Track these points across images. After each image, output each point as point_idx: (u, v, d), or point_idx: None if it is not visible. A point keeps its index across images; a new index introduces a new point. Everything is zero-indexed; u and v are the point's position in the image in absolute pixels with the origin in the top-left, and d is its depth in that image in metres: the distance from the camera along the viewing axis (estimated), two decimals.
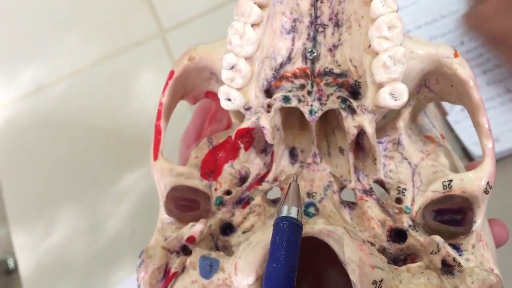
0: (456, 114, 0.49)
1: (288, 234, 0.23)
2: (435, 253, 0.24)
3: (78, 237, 0.53)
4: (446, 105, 0.50)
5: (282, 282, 0.22)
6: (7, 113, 0.60)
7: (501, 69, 0.50)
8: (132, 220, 0.53)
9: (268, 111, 0.26)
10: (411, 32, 0.54)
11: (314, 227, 0.25)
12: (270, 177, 0.28)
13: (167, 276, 0.26)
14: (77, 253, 0.53)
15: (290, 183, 0.26)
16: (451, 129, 0.49)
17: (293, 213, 0.23)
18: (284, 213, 0.24)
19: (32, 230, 0.55)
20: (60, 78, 0.61)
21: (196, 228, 0.26)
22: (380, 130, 0.28)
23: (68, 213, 0.55)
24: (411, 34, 0.30)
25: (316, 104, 0.26)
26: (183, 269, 0.26)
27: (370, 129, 0.25)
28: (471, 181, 0.25)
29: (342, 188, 0.28)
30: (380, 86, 0.24)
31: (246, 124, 0.26)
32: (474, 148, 0.47)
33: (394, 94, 0.23)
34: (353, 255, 0.23)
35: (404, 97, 0.23)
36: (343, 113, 0.25)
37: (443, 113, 0.50)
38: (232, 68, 0.25)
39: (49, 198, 0.56)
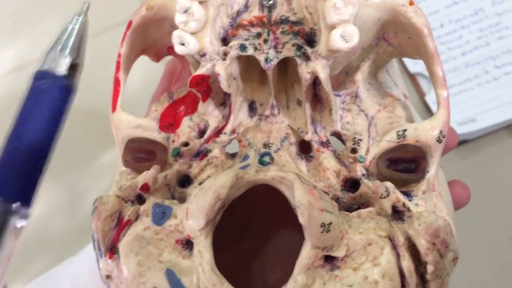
0: (434, 94, 0.50)
1: (48, 100, 0.16)
2: (385, 197, 0.24)
3: (58, 212, 0.53)
4: (424, 85, 0.50)
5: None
6: None
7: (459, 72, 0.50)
8: None
9: (224, 59, 0.26)
10: None
11: (267, 174, 0.25)
12: (228, 129, 0.28)
13: (120, 223, 0.26)
14: (56, 228, 0.52)
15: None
16: (428, 109, 0.49)
17: (62, 66, 0.16)
18: (47, 65, 0.16)
19: None
20: (43, 55, 0.60)
21: (149, 175, 0.26)
22: (340, 84, 0.28)
23: (48, 188, 0.54)
24: None
25: (271, 52, 0.26)
26: (137, 217, 0.26)
27: (323, 74, 0.25)
28: (425, 130, 0.25)
29: (299, 140, 0.28)
30: (332, 28, 0.24)
31: (201, 71, 0.26)
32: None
33: (345, 36, 0.23)
34: (302, 198, 0.23)
35: (355, 39, 0.23)
36: (298, 60, 0.25)
37: (421, 94, 0.50)
38: (185, 11, 0.24)
39: None
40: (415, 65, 0.51)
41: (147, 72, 0.34)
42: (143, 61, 0.32)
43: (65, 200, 0.53)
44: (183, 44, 0.25)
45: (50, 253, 0.51)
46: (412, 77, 0.51)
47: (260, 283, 0.32)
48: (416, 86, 0.51)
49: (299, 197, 0.23)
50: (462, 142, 0.48)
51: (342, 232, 0.23)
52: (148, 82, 0.38)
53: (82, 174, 0.54)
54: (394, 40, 0.27)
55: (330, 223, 0.23)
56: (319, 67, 0.24)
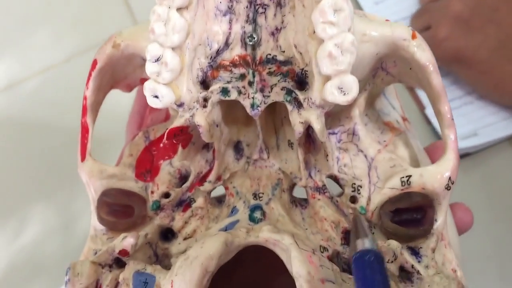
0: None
1: (379, 267, 0.20)
2: (392, 262, 0.22)
3: (51, 236, 0.51)
4: (423, 98, 0.48)
5: None
6: None
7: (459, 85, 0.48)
8: None
9: (204, 106, 0.23)
10: None
11: (259, 235, 0.22)
12: (212, 176, 0.25)
13: None
14: (50, 252, 0.51)
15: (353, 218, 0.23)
16: (428, 122, 0.47)
17: (368, 244, 0.20)
18: (364, 246, 0.21)
19: (3, 229, 0.52)
20: (32, 74, 0.58)
21: (126, 242, 0.23)
22: (334, 118, 0.26)
23: (41, 211, 0.52)
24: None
25: (258, 97, 0.23)
26: (116, 285, 0.23)
27: (318, 125, 0.22)
28: (432, 177, 0.23)
29: (292, 185, 0.26)
30: (327, 77, 0.21)
31: (178, 123, 0.23)
32: None
33: (343, 88, 0.20)
34: (301, 269, 0.20)
35: (354, 91, 0.20)
36: (289, 107, 0.22)
37: (421, 107, 0.48)
38: (157, 60, 0.21)
39: (20, 196, 0.53)
40: None
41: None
42: None
43: (58, 223, 0.51)
44: (156, 97, 0.22)
45: (44, 278, 0.49)
46: (411, 90, 0.49)
47: None
48: (415, 99, 0.48)
49: (297, 268, 0.20)
50: (464, 156, 0.46)
51: None
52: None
53: (75, 196, 0.52)
54: (393, 69, 0.24)
55: None
56: (313, 118, 0.22)
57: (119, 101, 0.27)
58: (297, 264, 0.20)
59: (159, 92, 0.22)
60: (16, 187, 0.54)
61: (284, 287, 0.31)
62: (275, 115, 0.26)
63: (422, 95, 0.48)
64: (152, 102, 0.22)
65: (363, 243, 0.21)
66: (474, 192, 0.45)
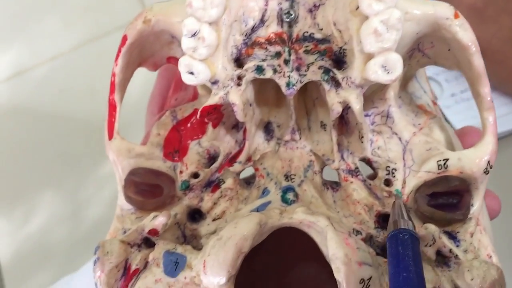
0: (446, 99, 0.47)
1: (412, 245, 0.20)
2: (430, 245, 0.21)
3: (59, 224, 0.51)
4: (435, 89, 0.47)
5: None
6: None
7: None
8: (114, 206, 0.51)
9: (239, 84, 0.22)
10: None
11: (293, 216, 0.22)
12: (242, 157, 0.25)
13: (127, 273, 0.23)
14: (58, 240, 0.51)
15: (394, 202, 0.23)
16: (441, 114, 0.46)
17: (404, 225, 0.20)
18: (401, 226, 0.20)
19: (11, 216, 0.52)
20: (41, 61, 0.58)
21: (158, 221, 0.22)
22: (367, 100, 0.25)
23: (49, 199, 0.52)
24: None
25: (294, 75, 0.22)
26: (146, 265, 0.23)
27: (357, 105, 0.21)
28: (470, 161, 0.22)
29: (323, 167, 0.25)
30: (369, 56, 0.20)
31: (213, 101, 0.22)
32: None
33: (387, 67, 0.20)
34: (338, 251, 0.20)
35: (398, 70, 0.20)
36: (326, 86, 0.22)
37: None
38: (194, 35, 0.21)
39: (29, 184, 0.53)
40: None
41: (147, 77, 0.31)
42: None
43: (67, 211, 0.51)
44: (192, 73, 0.21)
45: (52, 265, 0.49)
46: None
47: None
48: None
49: (334, 250, 0.20)
50: None
51: (383, 286, 0.20)
52: (148, 88, 0.35)
53: (83, 184, 0.52)
54: (430, 50, 0.24)
55: (370, 278, 0.20)
56: (353, 97, 0.21)
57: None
58: (333, 246, 0.20)
59: (194, 69, 0.21)
60: (24, 174, 0.54)
61: (305, 275, 0.30)
62: (306, 96, 0.25)
63: (434, 86, 0.48)
64: (187, 79, 0.21)
65: (400, 224, 0.20)
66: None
